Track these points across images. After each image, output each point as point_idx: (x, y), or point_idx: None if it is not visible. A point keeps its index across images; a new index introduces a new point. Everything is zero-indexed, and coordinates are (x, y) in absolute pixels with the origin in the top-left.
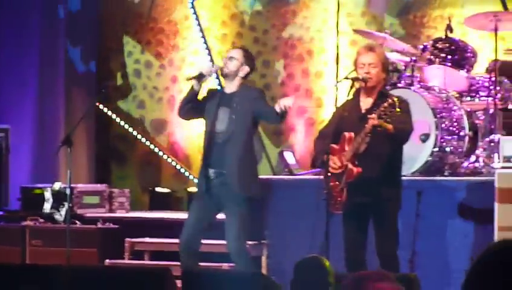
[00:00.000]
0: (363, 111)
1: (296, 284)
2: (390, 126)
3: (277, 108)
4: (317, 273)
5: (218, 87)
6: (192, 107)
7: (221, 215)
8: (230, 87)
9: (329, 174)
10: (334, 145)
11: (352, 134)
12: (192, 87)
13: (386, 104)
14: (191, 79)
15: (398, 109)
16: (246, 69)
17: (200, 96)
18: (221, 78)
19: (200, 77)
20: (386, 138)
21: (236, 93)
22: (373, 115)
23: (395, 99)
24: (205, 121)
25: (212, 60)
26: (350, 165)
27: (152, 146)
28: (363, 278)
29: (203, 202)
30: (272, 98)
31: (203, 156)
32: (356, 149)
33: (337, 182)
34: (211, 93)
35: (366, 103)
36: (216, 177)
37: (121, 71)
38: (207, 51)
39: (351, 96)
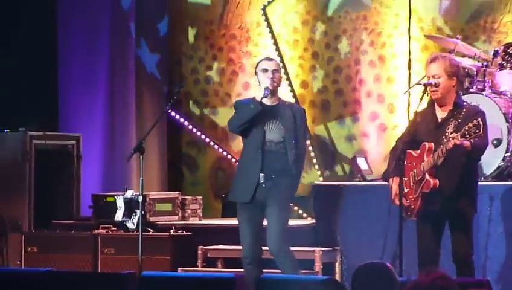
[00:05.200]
0: (440, 120)
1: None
2: (468, 144)
3: None
4: (378, 279)
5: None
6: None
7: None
8: (272, 99)
9: (405, 179)
10: (412, 152)
11: (432, 145)
12: (257, 105)
13: (471, 125)
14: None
15: (481, 132)
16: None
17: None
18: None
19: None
20: (463, 153)
21: (280, 104)
22: (456, 134)
23: (480, 120)
24: (248, 131)
25: (284, 66)
26: (428, 177)
27: (224, 153)
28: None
29: (252, 210)
30: (343, 103)
31: (248, 165)
32: (435, 162)
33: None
34: (247, 103)
35: (441, 112)
36: (266, 181)
37: (193, 77)
38: (279, 57)
39: (425, 105)
